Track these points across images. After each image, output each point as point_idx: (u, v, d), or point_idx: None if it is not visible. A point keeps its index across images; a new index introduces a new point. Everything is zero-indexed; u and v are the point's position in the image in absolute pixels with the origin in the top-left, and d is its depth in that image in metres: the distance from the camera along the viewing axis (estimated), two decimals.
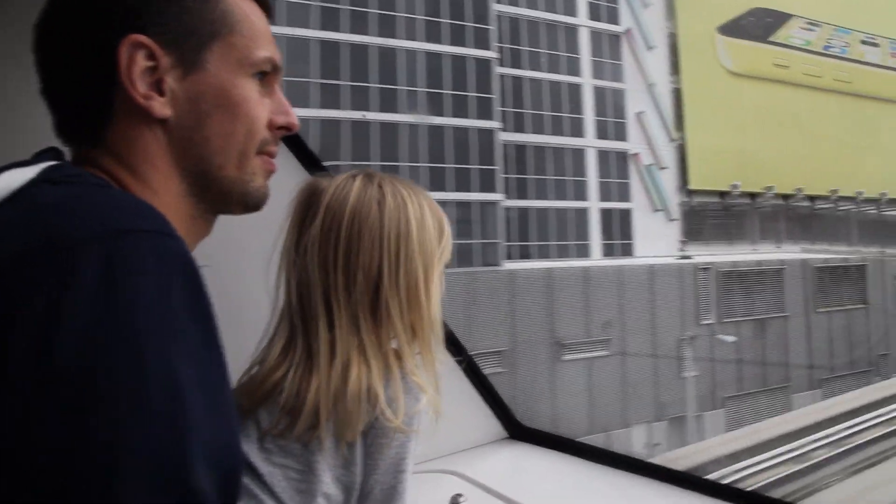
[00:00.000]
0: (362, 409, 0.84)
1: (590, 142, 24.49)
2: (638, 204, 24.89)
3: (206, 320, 0.59)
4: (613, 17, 25.97)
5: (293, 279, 0.92)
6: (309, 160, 1.39)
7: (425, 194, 0.96)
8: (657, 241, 24.46)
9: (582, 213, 23.87)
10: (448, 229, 0.98)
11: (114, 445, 0.49)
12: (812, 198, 29.53)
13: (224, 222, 0.80)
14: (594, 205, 24.09)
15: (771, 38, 29.72)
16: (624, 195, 24.84)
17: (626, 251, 24.34)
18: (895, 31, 34.20)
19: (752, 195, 27.80)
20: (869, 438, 12.63)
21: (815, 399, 22.80)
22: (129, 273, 0.54)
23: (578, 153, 24.26)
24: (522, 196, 22.67)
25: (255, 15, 0.77)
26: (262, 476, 0.84)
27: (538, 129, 23.64)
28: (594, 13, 25.55)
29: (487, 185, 21.06)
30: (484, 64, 22.16)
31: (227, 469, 0.58)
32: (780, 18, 30.22)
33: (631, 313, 21.58)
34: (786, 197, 28.70)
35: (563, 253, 22.88)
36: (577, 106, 24.58)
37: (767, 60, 29.33)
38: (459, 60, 21.64)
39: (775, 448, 12.28)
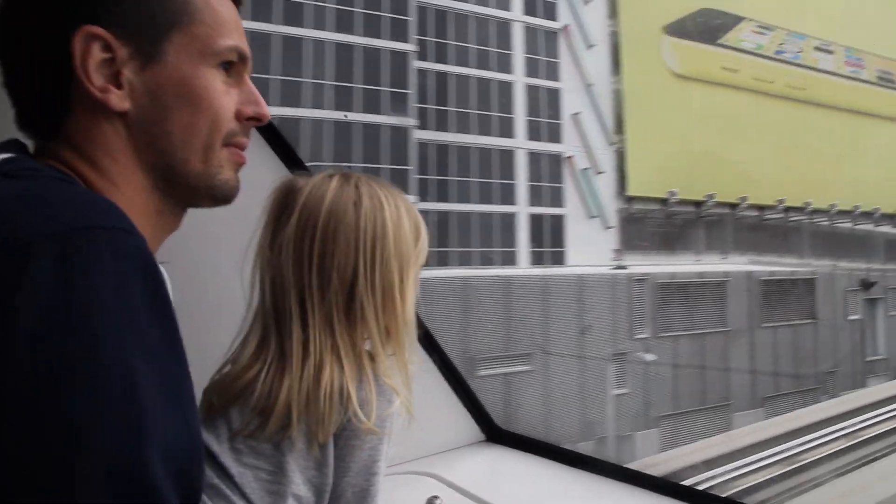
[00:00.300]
0: (335, 410, 0.83)
1: (520, 143, 23.08)
2: (572, 210, 23.47)
3: (166, 318, 0.59)
4: (551, 13, 24.61)
5: (267, 278, 0.90)
6: (288, 156, 1.37)
7: (403, 196, 0.95)
8: (591, 250, 23.04)
9: (509, 219, 22.40)
10: (424, 232, 0.96)
11: (69, 444, 0.50)
12: (761, 207, 28.27)
13: (201, 217, 0.80)
14: (523, 210, 22.63)
15: (720, 41, 28.48)
16: (557, 200, 23.41)
17: (557, 259, 22.91)
18: (850, 38, 33.21)
19: (696, 203, 26.45)
20: (809, 461, 11.94)
21: (758, 418, 21.73)
22: (84, 271, 0.54)
23: (507, 154, 22.82)
24: (443, 199, 21.18)
25: (220, 3, 0.75)
26: (232, 477, 0.82)
27: (463, 129, 22.20)
28: (530, 8, 24.18)
29: (399, 187, 19.39)
30: (400, 57, 20.72)
31: (187, 468, 0.58)
32: (731, 21, 29.02)
33: (557, 326, 20.23)
34: (732, 206, 27.38)
35: (486, 261, 21.39)
36: (507, 105, 23.18)
37: (716, 63, 28.07)
38: (373, 53, 20.20)
39: (710, 469, 11.44)
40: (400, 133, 20.16)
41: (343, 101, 19.50)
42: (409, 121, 20.36)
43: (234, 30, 0.75)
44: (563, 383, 20.11)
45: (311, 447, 0.84)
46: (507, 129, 23.00)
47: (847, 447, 11.95)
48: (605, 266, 22.78)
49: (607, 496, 1.51)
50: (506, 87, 23.27)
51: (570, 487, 1.58)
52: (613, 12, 25.96)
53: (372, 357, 0.91)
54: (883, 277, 28.53)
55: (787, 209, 28.81)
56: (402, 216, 0.94)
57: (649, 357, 17.66)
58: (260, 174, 0.88)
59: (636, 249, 24.45)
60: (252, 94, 0.77)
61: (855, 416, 13.44)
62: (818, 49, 32.06)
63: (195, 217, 0.79)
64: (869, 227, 32.83)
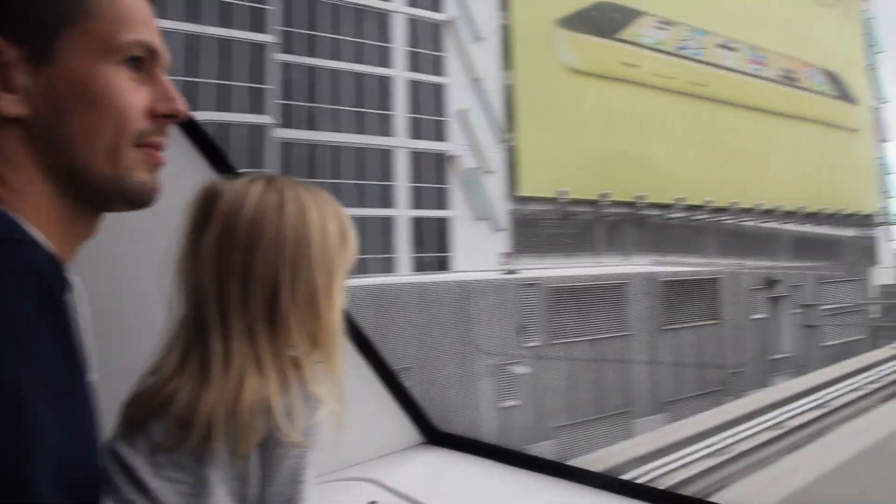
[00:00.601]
0: (257, 421, 0.80)
1: (401, 142, 21.64)
2: (458, 212, 22.15)
3: (61, 331, 0.59)
4: (436, 5, 23.25)
5: (188, 288, 0.87)
6: (216, 159, 1.31)
7: (330, 201, 0.91)
8: (480, 254, 21.75)
9: (387, 223, 20.90)
10: (353, 237, 0.93)
11: None
12: (662, 207, 27.55)
13: (122, 222, 0.80)
14: (403, 213, 21.17)
15: (618, 36, 27.61)
16: (442, 202, 22.05)
17: (443, 265, 21.55)
18: (753, 36, 32.96)
19: (593, 203, 25.49)
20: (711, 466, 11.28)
21: (661, 423, 20.95)
22: None
23: (386, 154, 21.36)
24: None
25: None
26: (151, 492, 0.79)
27: (336, 127, 20.62)
28: None
29: None
30: (258, 49, 19.01)
31: (80, 482, 0.58)
32: (630, 15, 28.21)
33: (436, 338, 18.87)
34: (631, 205, 26.54)
35: (361, 268, 19.83)
36: (386, 101, 21.71)
37: (614, 58, 27.18)
38: (226, 44, 18.42)
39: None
40: (257, 132, 18.44)
41: (189, 97, 17.65)
42: (267, 119, 18.65)
43: (142, 24, 0.71)
44: (444, 399, 18.83)
45: (235, 459, 0.80)
46: (385, 127, 21.53)
47: (751, 448, 11.25)
48: (493, 271, 21.55)
49: (548, 494, 1.49)
50: (385, 83, 21.80)
51: (512, 487, 1.55)
52: (504, 5, 24.76)
53: (297, 365, 0.86)
54: (788, 275, 28.33)
55: (689, 207, 28.17)
56: (328, 220, 0.88)
57: (523, 370, 16.38)
58: (185, 177, 0.88)
59: (530, 252, 23.31)
60: (166, 91, 0.73)
61: (758, 417, 12.60)
62: (721, 46, 31.63)
63: (116, 222, 0.77)
64: (774, 224, 32.66)
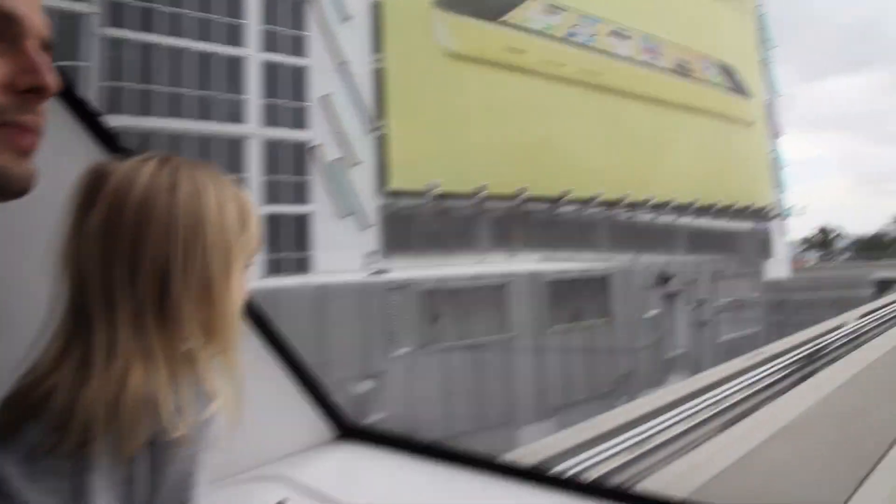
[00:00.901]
0: (143, 419, 0.74)
1: (253, 129, 19.36)
2: (320, 208, 20.04)
3: None
4: None
5: (71, 274, 0.80)
6: (107, 140, 1.21)
7: (230, 182, 0.85)
8: (344, 254, 19.73)
9: None
10: (254, 221, 0.87)
11: None
12: (554, 201, 26.25)
13: (2, 211, 0.74)
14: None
15: (504, 19, 26.06)
16: (301, 197, 19.89)
17: (302, 267, 19.42)
18: (647, 25, 32.21)
19: (475, 197, 23.84)
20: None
21: (549, 431, 19.61)
22: None
23: (235, 144, 19.04)
24: None
25: None
26: (26, 503, 0.73)
27: (175, 113, 18.18)
28: None
29: None
30: (71, 20, 16.36)
31: None
32: None
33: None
34: (517, 199, 25.07)
35: None
36: (236, 84, 19.38)
37: (498, 43, 25.63)
38: None
39: None
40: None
41: None
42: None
43: None
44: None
45: (119, 462, 0.73)
46: (235, 114, 19.20)
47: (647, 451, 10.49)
48: (359, 272, 19.65)
49: (464, 486, 1.47)
50: (234, 64, 19.46)
51: (427, 480, 1.53)
52: None
53: (190, 358, 0.80)
54: (683, 270, 27.63)
55: (581, 201, 26.98)
56: (227, 203, 0.82)
57: (363, 386, 14.47)
58: (72, 160, 0.80)
59: (404, 251, 21.47)
60: (29, 62, 0.64)
61: (654, 418, 11.99)
62: (614, 34, 30.65)
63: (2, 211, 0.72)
64: (670, 218, 32.05)
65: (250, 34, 19.90)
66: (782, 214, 41.87)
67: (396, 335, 19.16)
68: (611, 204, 28.22)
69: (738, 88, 39.24)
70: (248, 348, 1.23)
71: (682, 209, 31.90)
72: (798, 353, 13.05)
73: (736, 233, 37.04)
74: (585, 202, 27.04)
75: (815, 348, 13.30)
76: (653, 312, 26.12)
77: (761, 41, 43.23)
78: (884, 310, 18.10)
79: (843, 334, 14.40)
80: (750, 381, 12.81)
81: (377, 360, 18.18)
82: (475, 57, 24.60)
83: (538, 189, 25.14)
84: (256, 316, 1.32)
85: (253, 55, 19.82)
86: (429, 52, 23.39)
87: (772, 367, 13.37)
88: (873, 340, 12.75)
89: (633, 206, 29.38)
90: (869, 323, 16.03)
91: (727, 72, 38.48)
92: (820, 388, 9.99)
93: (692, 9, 35.87)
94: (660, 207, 30.66)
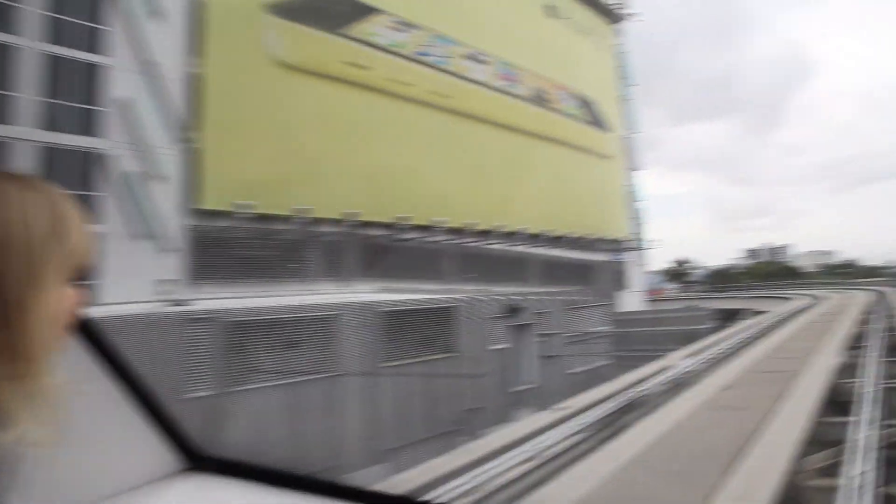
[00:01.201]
0: None
1: (26, 133, 16.36)
2: (111, 228, 17.22)
3: None
4: None
5: None
6: None
7: (45, 189, 0.78)
8: (138, 282, 16.98)
9: None
10: (76, 231, 0.80)
11: None
12: (394, 226, 24.62)
13: None
14: None
15: (346, 31, 24.37)
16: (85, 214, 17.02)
17: (84, 297, 16.49)
18: (506, 52, 31.66)
19: (305, 219, 21.74)
20: None
21: (381, 476, 17.65)
22: None
23: (0, 150, 15.98)
24: None
25: None
26: None
27: None
28: None
29: None
30: None
31: None
32: (362, 11, 25.16)
33: None
34: (354, 223, 23.21)
35: None
36: (4, 79, 16.34)
37: (338, 56, 23.86)
38: None
39: None
40: None
41: None
42: None
43: None
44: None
45: None
46: (3, 114, 16.15)
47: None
48: (153, 302, 17.00)
49: None
50: (4, 53, 16.44)
51: None
52: None
53: None
54: (534, 301, 26.71)
55: (423, 228, 25.52)
56: (34, 209, 0.76)
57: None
58: None
59: (216, 278, 18.98)
60: None
61: (500, 455, 10.53)
62: (469, 57, 29.75)
63: None
64: (523, 248, 31.33)
65: (28, 21, 16.93)
66: (638, 246, 42.63)
67: (195, 374, 16.58)
68: (458, 231, 26.97)
69: (596, 121, 39.67)
70: (83, 372, 1.17)
71: (535, 238, 31.27)
72: (614, 406, 12.13)
73: (591, 264, 37.04)
74: (427, 228, 25.59)
75: (629, 400, 12.40)
76: (500, 345, 24.96)
77: (621, 78, 44.25)
78: (704, 353, 17.97)
79: (659, 381, 13.69)
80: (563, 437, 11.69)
81: (168, 404, 15.55)
82: (312, 69, 22.67)
83: (377, 213, 23.40)
84: (94, 337, 1.19)
85: (31, 46, 16.84)
86: (257, 61, 21.21)
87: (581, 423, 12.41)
88: (674, 400, 11.90)
89: (484, 234, 28.30)
90: (686, 368, 15.65)
91: (586, 104, 38.81)
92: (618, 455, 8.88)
93: (553, 40, 35.89)
94: (512, 236, 29.82)
